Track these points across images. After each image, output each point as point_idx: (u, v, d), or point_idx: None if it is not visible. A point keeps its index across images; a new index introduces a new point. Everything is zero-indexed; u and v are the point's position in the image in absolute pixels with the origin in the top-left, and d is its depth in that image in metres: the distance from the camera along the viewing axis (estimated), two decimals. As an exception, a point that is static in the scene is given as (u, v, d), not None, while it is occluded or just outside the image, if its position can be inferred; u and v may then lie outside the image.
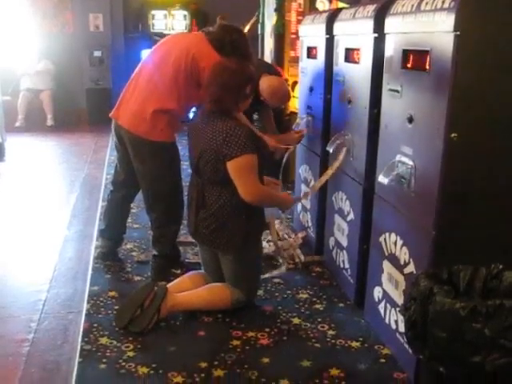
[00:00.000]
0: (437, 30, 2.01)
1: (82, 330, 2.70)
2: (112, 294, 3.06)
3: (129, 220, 4.11)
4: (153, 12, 8.92)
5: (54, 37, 8.73)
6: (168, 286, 2.82)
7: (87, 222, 4.31)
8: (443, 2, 1.96)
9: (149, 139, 3.05)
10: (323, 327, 2.74)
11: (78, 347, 2.55)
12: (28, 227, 4.29)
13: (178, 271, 3.25)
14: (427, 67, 2.11)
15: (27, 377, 2.41)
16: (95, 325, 2.73)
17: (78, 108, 8.76)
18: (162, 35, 8.84)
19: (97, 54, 8.71)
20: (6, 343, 2.68)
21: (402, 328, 2.34)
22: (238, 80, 2.67)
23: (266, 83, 3.40)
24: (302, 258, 3.44)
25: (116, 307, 2.88)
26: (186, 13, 8.94)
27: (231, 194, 2.67)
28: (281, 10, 5.47)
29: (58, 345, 2.65)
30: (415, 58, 2.24)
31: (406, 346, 2.26)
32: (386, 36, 2.48)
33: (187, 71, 2.99)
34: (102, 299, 3.00)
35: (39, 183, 5.65)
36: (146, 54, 8.82)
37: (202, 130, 2.70)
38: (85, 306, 2.93)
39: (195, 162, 2.75)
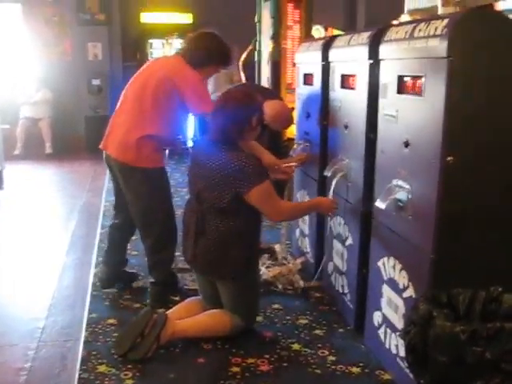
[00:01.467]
0: (430, 56, 2.04)
1: (80, 357, 2.68)
2: (111, 321, 3.04)
3: (127, 247, 4.11)
4: (150, 41, 9.03)
5: (53, 65, 8.83)
6: (167, 313, 2.80)
7: (86, 249, 4.30)
8: (436, 29, 2.00)
9: (136, 166, 3.09)
10: (323, 353, 2.73)
11: (76, 375, 2.53)
12: (27, 254, 4.28)
13: (177, 298, 3.24)
14: (422, 92, 2.14)
15: (25, 406, 2.39)
16: (94, 352, 2.71)
17: (76, 136, 8.81)
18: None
19: (95, 82, 8.80)
20: (3, 372, 2.66)
21: (402, 353, 2.33)
22: (243, 111, 2.69)
23: (268, 107, 3.43)
24: (301, 283, 3.43)
25: (115, 335, 2.86)
26: (183, 41, 9.05)
27: (232, 222, 2.68)
28: (277, 37, 5.54)
29: (56, 373, 2.63)
30: (410, 84, 2.26)
31: (407, 370, 2.25)
32: (381, 62, 2.52)
33: (169, 97, 3.05)
34: (100, 327, 2.97)
35: (38, 211, 5.65)
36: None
37: (207, 159, 2.71)
38: (83, 333, 2.91)
39: (197, 191, 2.75)
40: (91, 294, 3.40)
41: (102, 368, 2.58)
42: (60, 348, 2.88)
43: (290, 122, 3.78)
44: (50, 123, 8.55)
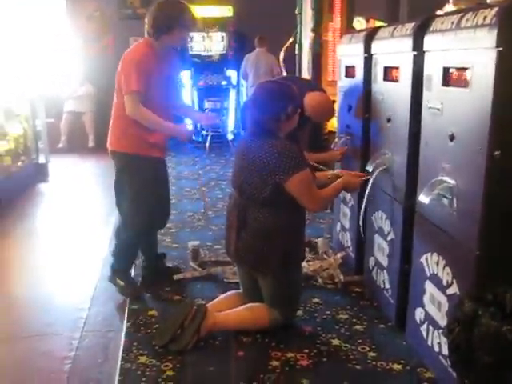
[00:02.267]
0: (478, 47, 1.98)
1: (121, 348, 2.72)
2: (151, 312, 3.08)
3: (168, 239, 4.17)
4: (191, 34, 9.05)
5: (96, 60, 8.96)
6: (207, 305, 2.82)
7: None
8: (484, 18, 1.94)
9: (113, 150, 3.24)
10: (364, 349, 2.70)
11: (118, 365, 2.57)
12: (70, 246, 4.37)
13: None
14: (468, 84, 2.08)
15: (69, 394, 2.45)
16: (135, 343, 2.75)
17: (118, 129, 8.92)
18: (200, 57, 8.99)
19: (137, 76, 8.89)
20: (48, 360, 2.73)
21: (445, 351, 2.29)
22: (276, 101, 2.68)
23: (310, 99, 3.41)
24: (342, 277, 3.41)
25: (155, 326, 2.90)
26: (223, 34, 9.06)
27: (274, 215, 2.68)
28: (318, 29, 5.49)
29: (99, 363, 2.68)
30: (456, 76, 2.21)
31: (450, 369, 2.20)
32: (426, 54, 2.47)
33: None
34: (141, 318, 3.02)
35: (81, 203, 5.76)
36: (184, 75, 8.82)
37: (247, 151, 2.71)
38: (125, 324, 2.97)
39: (240, 183, 2.76)
40: (133, 286, 3.45)
41: (143, 359, 2.61)
42: (102, 338, 2.93)
43: (331, 113, 3.75)
44: (93, 117, 8.71)
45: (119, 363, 2.59)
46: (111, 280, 3.38)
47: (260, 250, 2.71)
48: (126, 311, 3.11)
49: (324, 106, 3.53)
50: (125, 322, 3.00)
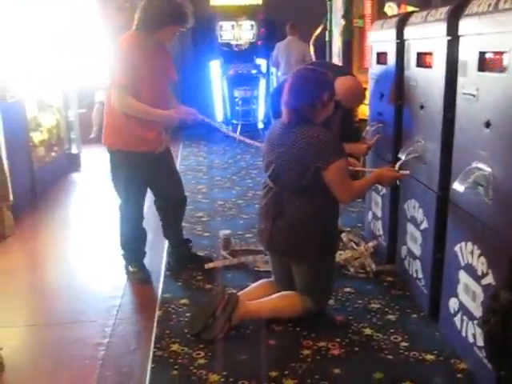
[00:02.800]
0: (517, 30, 1.93)
1: (154, 336, 2.75)
2: (183, 301, 3.11)
3: (199, 228, 4.19)
4: (220, 23, 9.05)
5: (126, 51, 9.02)
6: (239, 294, 2.83)
7: (158, 230, 4.38)
8: (523, 1, 1.88)
9: (106, 146, 3.36)
10: (396, 338, 2.67)
11: (151, 353, 2.60)
12: (103, 235, 4.43)
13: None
14: (506, 69, 2.02)
15: (103, 380, 2.48)
16: (167, 331, 2.78)
17: (149, 119, 8.97)
18: (229, 46, 8.97)
19: (167, 65, 8.93)
20: (83, 347, 2.77)
21: (480, 342, 2.25)
22: (313, 88, 2.66)
23: (340, 83, 3.37)
24: (373, 267, 3.38)
25: (187, 315, 2.92)
26: (253, 23, 9.02)
27: (311, 203, 2.67)
28: (349, 16, 5.42)
29: (132, 350, 2.71)
30: (493, 60, 2.15)
31: (485, 360, 2.17)
32: (461, 38, 2.41)
33: None
34: (173, 306, 3.05)
35: (112, 192, 5.81)
36: (214, 64, 8.81)
37: (282, 138, 2.69)
38: (157, 312, 3.00)
39: (275, 172, 2.74)
40: (164, 274, 3.49)
41: (175, 347, 2.64)
42: (135, 326, 2.97)
43: (362, 98, 3.71)
44: (124, 107, 8.77)
45: (152, 351, 2.62)
46: (125, 267, 3.53)
47: (296, 239, 2.71)
48: (158, 299, 3.15)
49: (354, 90, 3.50)
50: (157, 310, 3.03)
